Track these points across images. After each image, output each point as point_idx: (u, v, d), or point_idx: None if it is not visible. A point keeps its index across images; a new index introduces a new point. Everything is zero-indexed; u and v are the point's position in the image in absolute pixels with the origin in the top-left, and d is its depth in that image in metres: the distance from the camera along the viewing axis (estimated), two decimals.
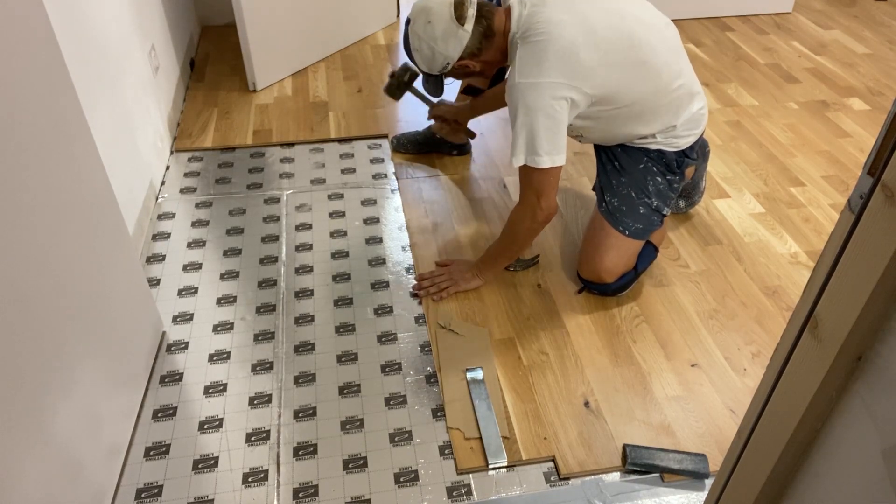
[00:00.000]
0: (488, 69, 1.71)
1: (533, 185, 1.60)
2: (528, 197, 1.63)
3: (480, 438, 1.48)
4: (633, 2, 1.65)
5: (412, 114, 2.61)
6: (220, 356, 1.67)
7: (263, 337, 1.72)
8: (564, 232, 2.04)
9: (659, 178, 1.72)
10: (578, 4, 1.56)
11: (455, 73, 1.70)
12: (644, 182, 1.72)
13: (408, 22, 1.65)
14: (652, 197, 1.72)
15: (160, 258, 1.94)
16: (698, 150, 1.82)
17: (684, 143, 1.72)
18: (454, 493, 1.39)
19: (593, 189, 1.85)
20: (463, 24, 1.59)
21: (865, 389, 0.63)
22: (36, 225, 1.11)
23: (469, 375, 1.61)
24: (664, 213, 1.75)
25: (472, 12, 1.60)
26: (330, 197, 2.20)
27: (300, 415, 1.54)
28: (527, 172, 1.59)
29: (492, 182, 2.27)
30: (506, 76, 1.96)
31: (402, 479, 1.41)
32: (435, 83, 1.76)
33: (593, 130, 1.70)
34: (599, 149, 1.82)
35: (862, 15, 3.48)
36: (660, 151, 1.72)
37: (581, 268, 1.82)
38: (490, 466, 1.43)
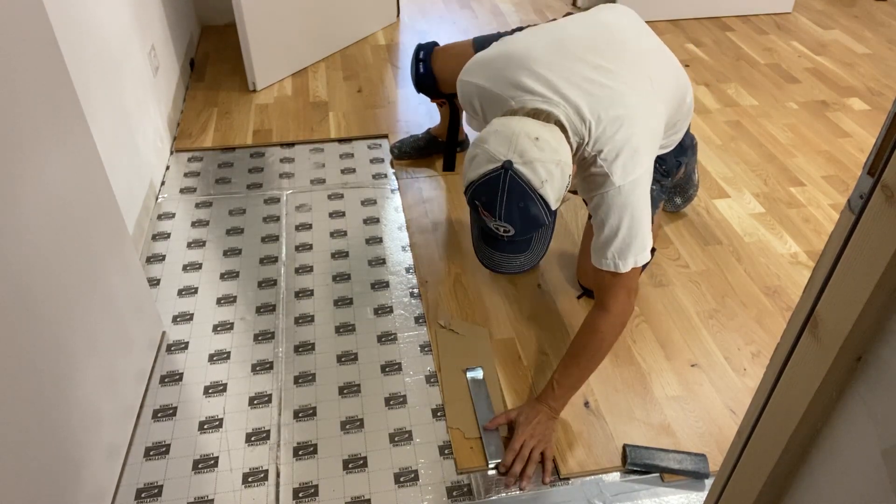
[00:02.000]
0: None
1: (627, 285, 1.39)
2: (620, 300, 1.40)
3: (481, 438, 1.48)
4: (631, 30, 1.53)
5: (412, 114, 2.61)
6: (220, 356, 1.67)
7: (263, 337, 1.72)
8: (565, 232, 2.04)
9: (654, 186, 1.70)
10: (618, 71, 1.36)
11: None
12: None
13: (505, 169, 1.19)
14: None
15: (160, 258, 1.94)
16: (689, 147, 1.81)
17: (678, 137, 1.70)
18: (454, 493, 1.39)
19: None
20: (563, 131, 1.27)
21: (865, 389, 0.63)
22: (36, 225, 1.11)
23: (469, 375, 1.61)
24: (652, 218, 1.74)
25: (545, 112, 1.27)
26: (330, 197, 2.20)
27: (300, 415, 1.54)
28: (626, 275, 1.37)
29: None
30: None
31: (402, 479, 1.41)
32: (554, 221, 1.36)
33: None
34: None
35: (862, 15, 3.48)
36: (660, 159, 1.69)
37: (580, 276, 1.82)
38: (490, 466, 1.43)
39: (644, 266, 1.44)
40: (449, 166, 2.25)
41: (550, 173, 1.20)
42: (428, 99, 2.09)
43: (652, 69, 1.46)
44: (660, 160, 1.70)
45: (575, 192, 1.50)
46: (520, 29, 1.81)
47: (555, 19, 1.69)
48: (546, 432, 1.44)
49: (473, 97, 1.48)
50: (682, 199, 2.08)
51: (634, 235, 1.34)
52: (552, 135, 1.23)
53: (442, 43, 2.00)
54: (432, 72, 1.93)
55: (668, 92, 1.48)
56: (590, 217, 1.73)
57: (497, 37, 1.83)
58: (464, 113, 2.12)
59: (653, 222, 1.74)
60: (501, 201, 1.20)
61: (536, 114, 1.26)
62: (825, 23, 3.38)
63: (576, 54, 1.39)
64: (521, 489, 1.40)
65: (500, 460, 1.43)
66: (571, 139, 1.29)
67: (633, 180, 1.31)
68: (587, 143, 1.31)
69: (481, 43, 1.83)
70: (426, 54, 1.95)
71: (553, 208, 1.25)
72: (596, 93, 1.32)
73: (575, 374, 1.45)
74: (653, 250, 1.86)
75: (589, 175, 1.35)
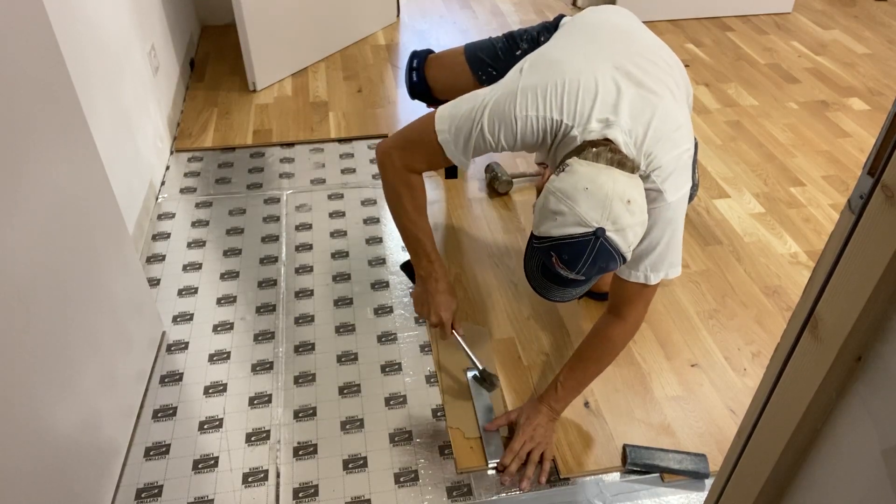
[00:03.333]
0: None
1: (648, 298, 1.39)
2: (638, 311, 1.40)
3: (481, 438, 1.48)
4: (647, 34, 1.50)
5: (412, 114, 2.59)
6: (220, 356, 1.67)
7: (263, 337, 1.72)
8: None
9: None
10: (668, 105, 1.33)
11: None
12: None
13: (596, 236, 1.13)
14: None
15: (160, 258, 1.94)
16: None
17: None
18: (454, 493, 1.39)
19: None
20: (636, 173, 1.24)
21: (865, 389, 0.63)
22: (36, 225, 1.11)
23: (469, 375, 1.61)
24: None
25: (630, 162, 1.23)
26: (330, 197, 2.20)
27: (300, 415, 1.54)
28: (649, 289, 1.36)
29: None
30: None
31: (402, 479, 1.41)
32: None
33: None
34: None
35: (862, 15, 3.48)
36: None
37: None
38: (490, 466, 1.43)
39: None
40: (452, 174, 2.22)
41: (637, 235, 1.18)
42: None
43: (675, 73, 1.44)
44: None
45: None
46: (510, 35, 1.79)
47: (556, 21, 1.67)
48: (546, 434, 1.44)
49: (537, 130, 1.31)
50: None
51: (673, 249, 1.32)
52: (640, 192, 1.19)
53: (438, 48, 2.00)
54: (426, 80, 1.95)
55: (685, 95, 1.47)
56: None
57: (488, 42, 1.82)
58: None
59: None
60: (585, 262, 1.15)
61: (621, 163, 1.18)
62: (825, 23, 3.38)
63: (614, 54, 1.37)
64: (520, 489, 1.40)
65: (499, 460, 1.43)
66: (647, 211, 1.23)
67: (682, 196, 1.31)
68: (641, 162, 1.27)
69: (472, 50, 1.83)
70: (419, 63, 1.95)
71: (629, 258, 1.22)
72: (642, 101, 1.29)
73: (579, 378, 1.45)
74: None
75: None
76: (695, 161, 2.03)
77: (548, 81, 1.30)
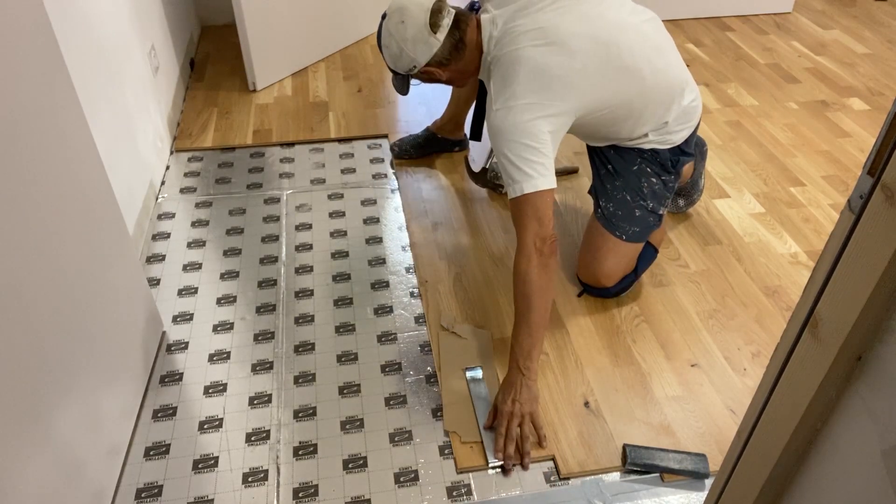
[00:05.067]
0: (457, 79, 1.68)
1: (528, 215, 1.46)
2: (521, 232, 1.48)
3: (481, 441, 1.47)
4: (608, 3, 1.59)
5: (412, 113, 2.61)
6: (220, 356, 1.67)
7: (263, 337, 1.72)
8: (564, 232, 2.04)
9: (654, 179, 1.70)
10: (549, 17, 1.51)
11: (420, 76, 1.66)
12: (639, 184, 1.70)
13: (383, 17, 1.61)
14: (648, 199, 1.70)
15: (160, 258, 1.94)
16: (696, 148, 1.81)
17: (678, 137, 1.69)
18: (454, 493, 1.39)
19: (589, 192, 1.84)
20: (435, 33, 1.55)
21: (865, 389, 0.63)
22: (36, 225, 1.11)
23: (468, 375, 1.61)
24: (661, 213, 1.74)
25: (447, 22, 1.55)
26: (330, 197, 2.20)
27: (300, 415, 1.54)
28: (518, 204, 1.46)
29: None
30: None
31: (402, 479, 1.41)
32: (401, 82, 1.70)
33: (579, 134, 1.69)
34: (592, 152, 1.79)
35: (862, 15, 3.48)
36: (654, 151, 1.69)
37: (580, 272, 1.82)
38: (490, 466, 1.43)
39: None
40: (476, 135, 2.16)
41: (388, 46, 1.61)
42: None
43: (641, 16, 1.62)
44: (653, 151, 1.69)
45: None
46: None
47: None
48: (527, 401, 1.45)
49: None
50: (686, 202, 2.08)
51: (507, 165, 1.46)
52: (416, 30, 1.55)
53: None
54: None
55: (624, 80, 1.56)
56: (595, 212, 1.74)
57: None
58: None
59: (662, 217, 1.74)
60: (379, 28, 1.64)
61: (434, 13, 1.54)
62: (825, 23, 3.38)
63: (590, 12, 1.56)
64: (523, 468, 1.41)
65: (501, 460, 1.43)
66: (468, 39, 1.58)
67: (507, 108, 1.46)
68: (487, 55, 1.57)
69: None
70: None
71: (391, 67, 1.65)
72: (527, 34, 1.51)
73: (524, 326, 1.47)
74: (655, 251, 1.87)
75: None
76: (702, 168, 2.04)
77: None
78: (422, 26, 1.54)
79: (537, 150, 1.45)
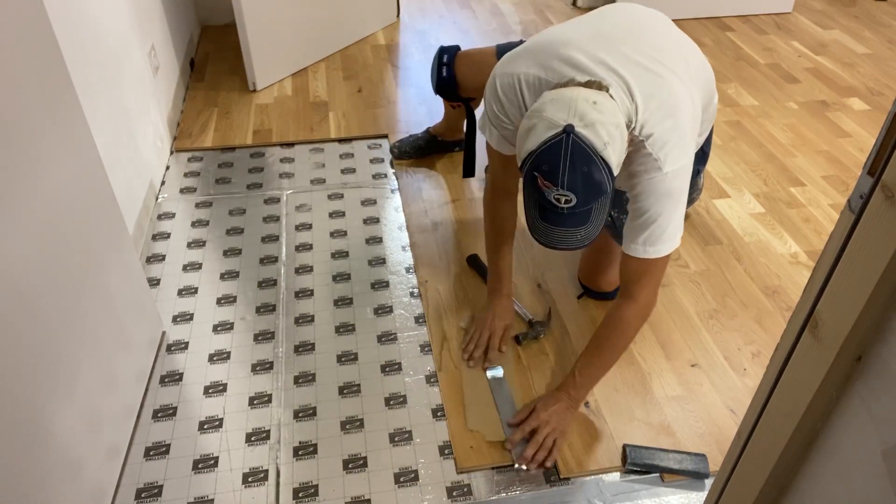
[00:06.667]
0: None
1: (655, 275, 1.38)
2: (647, 290, 1.40)
3: (504, 442, 1.47)
4: (660, 20, 1.48)
5: (412, 114, 2.61)
6: (220, 356, 1.67)
7: (263, 337, 1.72)
8: None
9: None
10: (649, 64, 1.31)
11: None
12: None
13: (569, 130, 1.14)
14: None
15: (160, 258, 1.94)
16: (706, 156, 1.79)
17: (701, 140, 1.64)
18: (454, 493, 1.39)
19: None
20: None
21: (865, 389, 0.63)
22: (36, 225, 1.11)
23: (490, 374, 1.61)
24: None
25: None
26: (330, 197, 2.20)
27: (300, 415, 1.54)
28: (658, 263, 1.35)
29: None
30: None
31: (402, 479, 1.41)
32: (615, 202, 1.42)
33: None
34: None
35: (862, 15, 3.48)
36: None
37: (582, 275, 1.82)
38: (515, 467, 1.43)
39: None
40: (469, 172, 2.14)
41: (611, 135, 1.15)
42: (428, 98, 2.09)
43: (692, 63, 1.42)
44: None
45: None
46: None
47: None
48: (561, 421, 1.45)
49: (518, 87, 1.36)
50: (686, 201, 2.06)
51: (672, 223, 1.32)
52: (608, 99, 1.19)
53: (450, 47, 1.99)
54: (455, 76, 1.93)
55: (700, 81, 1.43)
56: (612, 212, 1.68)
57: (520, 44, 1.80)
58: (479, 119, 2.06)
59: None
60: (564, 167, 1.14)
61: (589, 84, 1.22)
62: (825, 23, 3.38)
63: (617, 37, 1.35)
64: (526, 469, 1.42)
65: (517, 450, 1.44)
66: (621, 117, 1.23)
67: (679, 168, 1.28)
68: (635, 125, 1.25)
69: (504, 50, 1.80)
70: (450, 58, 1.95)
71: (615, 173, 1.19)
72: (643, 75, 1.28)
73: (597, 364, 1.46)
74: None
75: (635, 159, 1.30)
76: (702, 169, 2.02)
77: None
78: (608, 96, 1.24)
79: (684, 207, 1.35)
